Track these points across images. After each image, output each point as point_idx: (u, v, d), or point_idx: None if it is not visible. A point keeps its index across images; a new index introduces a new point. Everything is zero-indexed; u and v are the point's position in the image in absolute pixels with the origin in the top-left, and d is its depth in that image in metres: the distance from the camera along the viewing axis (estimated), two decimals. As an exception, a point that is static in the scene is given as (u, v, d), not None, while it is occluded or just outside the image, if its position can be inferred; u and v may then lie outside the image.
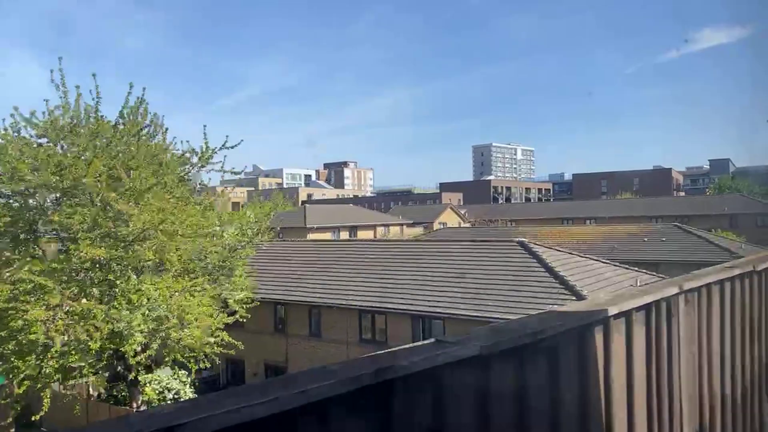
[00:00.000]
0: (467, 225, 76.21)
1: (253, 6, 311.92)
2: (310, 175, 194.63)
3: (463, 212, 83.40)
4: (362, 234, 56.25)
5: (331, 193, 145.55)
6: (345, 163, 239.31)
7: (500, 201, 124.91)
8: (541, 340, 2.51)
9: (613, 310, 3.02)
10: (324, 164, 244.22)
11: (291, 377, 1.87)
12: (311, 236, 54.45)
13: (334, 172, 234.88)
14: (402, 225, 63.82)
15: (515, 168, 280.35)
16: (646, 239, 40.79)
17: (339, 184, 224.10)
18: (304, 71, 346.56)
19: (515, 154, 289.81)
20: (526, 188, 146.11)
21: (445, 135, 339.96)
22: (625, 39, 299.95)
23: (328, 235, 53.77)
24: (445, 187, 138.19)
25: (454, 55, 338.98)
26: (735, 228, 62.33)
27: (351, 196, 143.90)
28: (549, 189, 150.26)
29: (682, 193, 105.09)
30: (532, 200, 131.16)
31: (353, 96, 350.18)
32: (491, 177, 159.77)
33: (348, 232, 56.58)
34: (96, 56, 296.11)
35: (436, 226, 71.86)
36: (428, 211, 77.27)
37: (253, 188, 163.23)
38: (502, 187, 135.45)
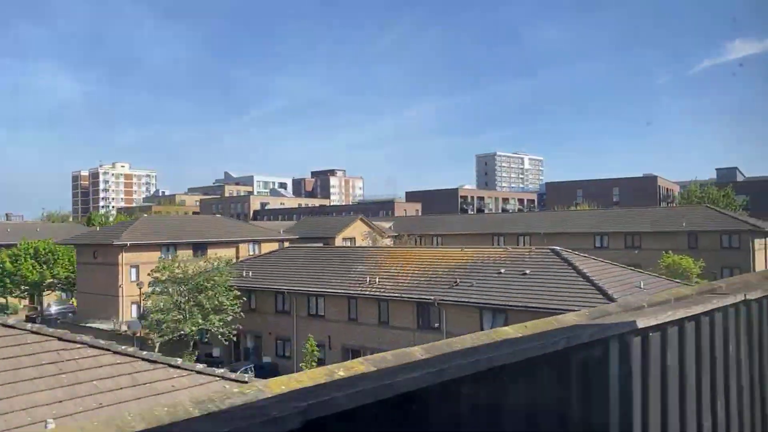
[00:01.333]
0: (387, 240, 63.77)
1: (281, 23, 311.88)
2: (285, 184, 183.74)
3: (388, 225, 70.72)
4: (213, 251, 44.05)
5: (292, 201, 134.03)
6: (332, 172, 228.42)
7: (470, 211, 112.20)
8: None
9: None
10: (311, 172, 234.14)
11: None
12: (126, 256, 42.42)
13: (320, 181, 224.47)
14: (272, 241, 51.45)
15: (522, 178, 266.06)
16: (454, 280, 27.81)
17: (325, 192, 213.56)
18: (332, 86, 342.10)
19: (522, 164, 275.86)
20: (503, 198, 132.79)
21: (474, 146, 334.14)
22: (656, 49, 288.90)
23: (153, 255, 41.81)
24: (411, 196, 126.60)
25: (481, 67, 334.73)
26: (694, 249, 48.67)
27: (317, 205, 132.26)
28: (533, 199, 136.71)
29: (665, 204, 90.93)
30: (510, 211, 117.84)
31: (379, 109, 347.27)
32: (469, 185, 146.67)
33: (191, 250, 44.45)
34: (127, 69, 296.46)
35: (338, 241, 59.44)
36: (336, 224, 64.77)
37: (219, 196, 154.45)
38: (472, 197, 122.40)
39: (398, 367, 1.96)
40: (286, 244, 52.67)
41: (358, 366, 1.94)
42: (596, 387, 2.69)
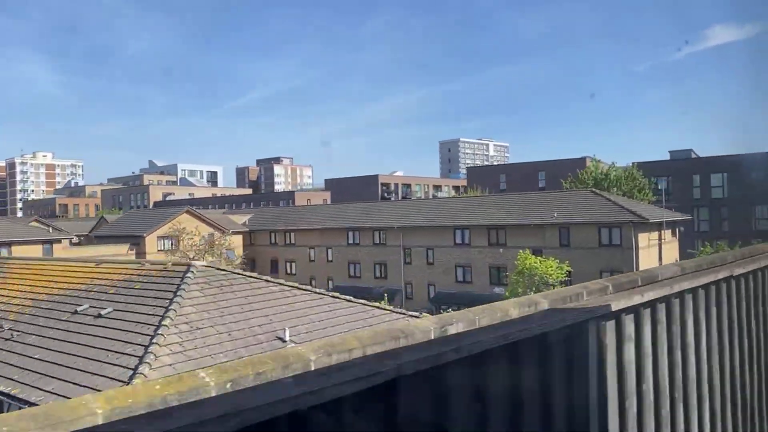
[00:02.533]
0: (231, 237, 52.42)
1: (260, 9, 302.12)
2: (215, 172, 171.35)
3: (243, 220, 59.09)
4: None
5: (205, 191, 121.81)
6: (277, 159, 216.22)
7: (393, 199, 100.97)
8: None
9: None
10: (256, 160, 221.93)
11: None
12: None
13: (264, 170, 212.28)
14: (32, 243, 39.62)
15: (486, 164, 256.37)
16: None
17: (269, 182, 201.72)
18: (314, 73, 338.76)
19: (487, 150, 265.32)
20: (435, 185, 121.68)
21: (454, 135, 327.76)
22: (634, 38, 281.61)
23: None
24: (330, 184, 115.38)
25: (463, 56, 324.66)
26: (566, 247, 37.84)
27: (228, 194, 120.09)
28: (466, 186, 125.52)
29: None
30: (435, 197, 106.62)
31: (363, 97, 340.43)
32: (399, 172, 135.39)
33: None
34: (104, 58, 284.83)
35: (151, 241, 47.79)
36: (157, 217, 52.84)
37: (138, 184, 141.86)
38: (395, 184, 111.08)
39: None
40: (63, 246, 40.96)
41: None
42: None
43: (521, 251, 35.57)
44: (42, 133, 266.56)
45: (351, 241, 48.84)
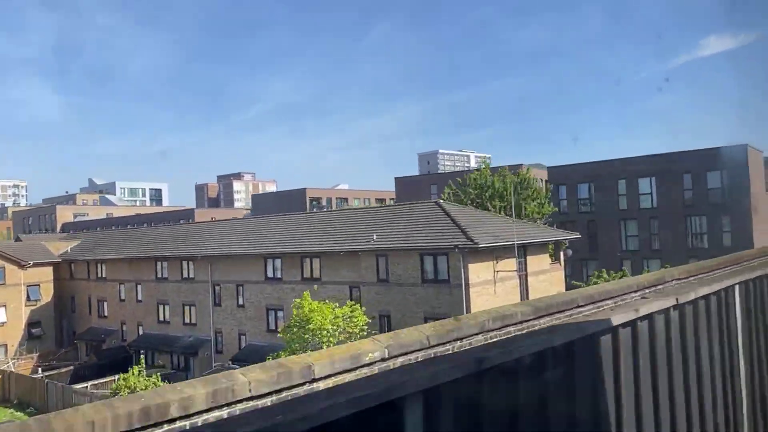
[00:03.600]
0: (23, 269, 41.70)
1: (259, 25, 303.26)
2: (160, 189, 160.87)
3: (67, 247, 48.13)
4: None
5: (127, 210, 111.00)
6: (238, 175, 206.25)
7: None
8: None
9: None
10: (217, 176, 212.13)
11: None
12: None
13: (224, 186, 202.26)
14: None
15: (415, 174, 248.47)
16: None
17: (229, 198, 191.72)
18: (313, 88, 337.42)
19: (468, 161, 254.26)
20: (377, 198, 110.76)
21: (452, 148, 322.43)
22: (635, 45, 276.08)
23: None
24: (256, 200, 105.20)
25: (461, 68, 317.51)
26: (384, 283, 27.06)
27: (152, 213, 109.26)
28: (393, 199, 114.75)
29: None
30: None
31: (362, 111, 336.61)
32: (344, 185, 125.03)
33: None
34: (105, 78, 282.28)
35: None
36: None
37: (70, 204, 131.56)
38: (328, 198, 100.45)
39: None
40: None
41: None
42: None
43: (310, 289, 24.76)
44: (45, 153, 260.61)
45: (159, 275, 37.95)
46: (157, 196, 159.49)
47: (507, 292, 27.42)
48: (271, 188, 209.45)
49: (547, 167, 52.59)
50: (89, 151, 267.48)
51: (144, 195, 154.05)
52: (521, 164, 79.13)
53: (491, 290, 26.07)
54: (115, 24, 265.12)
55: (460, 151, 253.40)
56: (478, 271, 25.32)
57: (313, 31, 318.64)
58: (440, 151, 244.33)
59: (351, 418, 1.79)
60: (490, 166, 45.18)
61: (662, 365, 3.48)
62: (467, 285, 24.73)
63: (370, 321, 24.38)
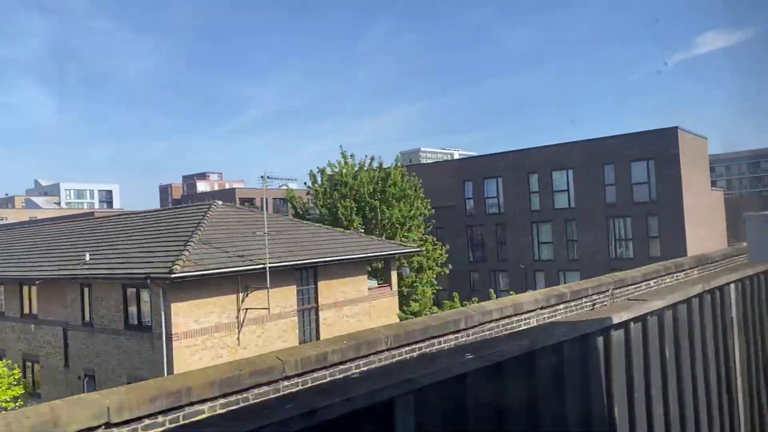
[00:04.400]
0: None
1: (255, 30, 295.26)
2: (110, 191, 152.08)
3: None
4: None
5: (54, 213, 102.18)
6: (203, 175, 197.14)
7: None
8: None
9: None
10: (182, 177, 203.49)
11: None
12: None
13: (188, 186, 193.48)
14: None
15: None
16: None
17: (193, 199, 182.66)
18: (310, 91, 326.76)
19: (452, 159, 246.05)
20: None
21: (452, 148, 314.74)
22: (628, 45, 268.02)
23: None
24: (188, 199, 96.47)
25: (458, 70, 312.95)
26: (88, 328, 17.84)
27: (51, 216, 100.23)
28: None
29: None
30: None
31: (360, 113, 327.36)
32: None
33: None
34: (100, 83, 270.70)
35: None
36: None
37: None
38: (261, 198, 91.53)
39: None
40: None
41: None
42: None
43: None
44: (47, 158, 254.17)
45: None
46: (107, 198, 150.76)
47: (275, 336, 18.65)
48: (239, 187, 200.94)
49: (457, 160, 43.79)
50: (83, 155, 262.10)
51: (92, 197, 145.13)
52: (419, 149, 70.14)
53: (228, 340, 17.27)
54: (111, 29, 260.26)
55: (443, 149, 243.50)
56: (191, 313, 16.50)
57: (308, 35, 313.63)
58: (422, 149, 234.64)
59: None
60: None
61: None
62: (169, 335, 15.92)
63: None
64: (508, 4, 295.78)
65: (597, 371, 2.95)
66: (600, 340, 3.03)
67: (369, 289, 22.41)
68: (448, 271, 34.44)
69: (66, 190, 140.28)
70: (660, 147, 34.61)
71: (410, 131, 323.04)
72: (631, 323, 3.28)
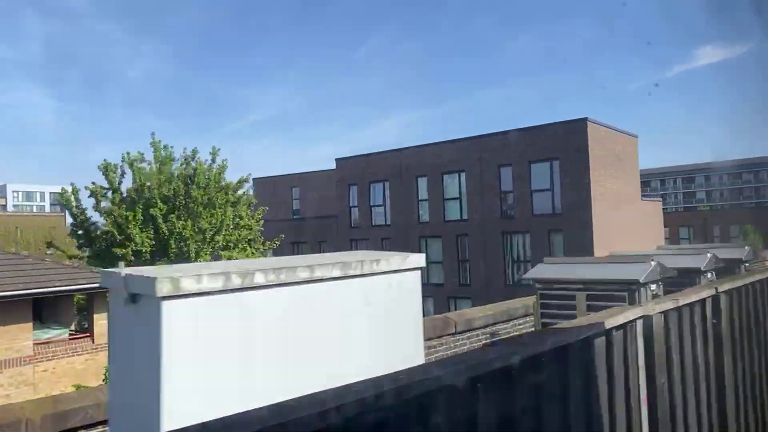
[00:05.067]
0: None
1: (256, 34, 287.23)
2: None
3: None
4: None
5: None
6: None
7: None
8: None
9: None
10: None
11: None
12: None
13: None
14: None
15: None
16: None
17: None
18: (310, 96, 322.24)
19: None
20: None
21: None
22: (628, 56, 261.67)
23: None
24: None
25: (457, 77, 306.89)
26: None
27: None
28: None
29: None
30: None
31: (359, 120, 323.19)
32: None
33: None
34: (101, 86, 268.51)
35: None
36: None
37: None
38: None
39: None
40: None
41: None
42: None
43: None
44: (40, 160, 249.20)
45: None
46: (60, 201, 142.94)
47: None
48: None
49: (336, 159, 36.23)
50: (83, 157, 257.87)
51: (43, 199, 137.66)
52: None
53: None
54: (111, 31, 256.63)
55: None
56: None
57: (307, 41, 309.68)
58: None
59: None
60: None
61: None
62: None
63: None
64: (508, 14, 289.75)
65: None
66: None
67: (43, 343, 14.75)
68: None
69: (14, 192, 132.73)
70: (567, 144, 27.00)
71: (410, 138, 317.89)
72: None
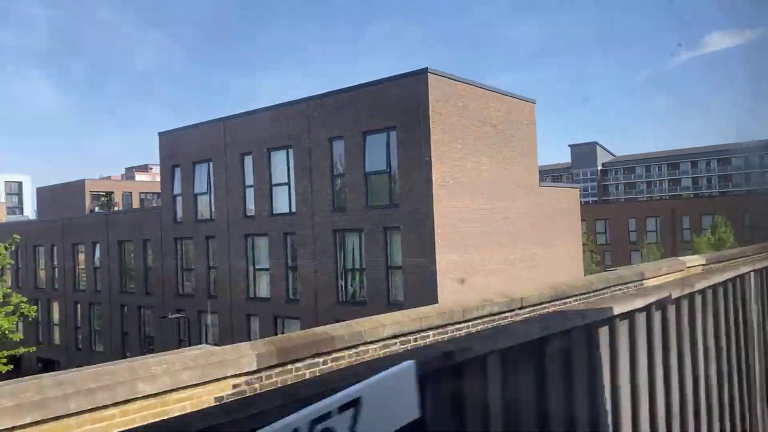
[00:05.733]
0: None
1: (261, 23, 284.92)
2: (20, 183, 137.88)
3: None
4: None
5: None
6: (144, 167, 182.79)
7: (97, 212, 66.94)
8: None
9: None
10: (125, 168, 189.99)
11: None
12: None
13: (127, 179, 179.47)
14: None
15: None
16: None
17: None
18: (314, 85, 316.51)
19: None
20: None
21: None
22: (633, 46, 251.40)
23: None
24: (41, 192, 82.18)
25: (460, 66, 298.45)
26: None
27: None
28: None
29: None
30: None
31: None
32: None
33: None
34: (106, 75, 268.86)
35: None
36: None
37: None
38: (108, 192, 76.80)
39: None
40: None
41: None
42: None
43: None
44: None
45: None
46: (16, 190, 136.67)
47: None
48: (91, 179, 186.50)
49: (159, 133, 28.29)
50: (87, 147, 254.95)
51: (11, 191, 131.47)
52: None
53: None
54: (115, 21, 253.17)
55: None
56: None
57: (313, 28, 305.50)
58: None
59: None
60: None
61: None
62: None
63: None
64: (508, 4, 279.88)
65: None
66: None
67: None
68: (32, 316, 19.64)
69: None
70: (406, 106, 19.06)
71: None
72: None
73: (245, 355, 4.18)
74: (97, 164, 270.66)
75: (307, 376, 4.61)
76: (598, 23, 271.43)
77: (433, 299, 17.56)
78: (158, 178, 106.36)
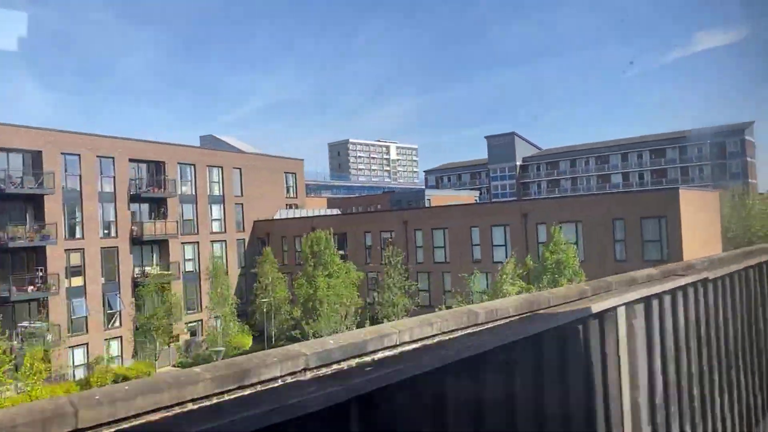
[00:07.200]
0: None
1: (254, 21, 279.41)
2: None
3: None
4: None
5: None
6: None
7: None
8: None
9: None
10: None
11: None
12: None
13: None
14: None
15: (388, 171, 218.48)
16: None
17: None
18: (307, 84, 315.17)
19: (387, 153, 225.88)
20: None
21: (455, 142, 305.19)
22: (624, 43, 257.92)
23: None
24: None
25: (458, 64, 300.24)
26: None
27: None
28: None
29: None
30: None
31: (359, 107, 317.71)
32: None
33: None
34: (98, 75, 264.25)
35: None
36: None
37: None
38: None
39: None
40: None
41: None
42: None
43: None
44: None
45: None
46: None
47: None
48: None
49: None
50: None
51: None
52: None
53: None
54: (106, 20, 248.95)
55: (378, 140, 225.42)
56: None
57: (306, 27, 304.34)
58: (351, 140, 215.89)
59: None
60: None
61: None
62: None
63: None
64: (501, 2, 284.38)
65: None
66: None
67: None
68: None
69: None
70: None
71: (411, 124, 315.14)
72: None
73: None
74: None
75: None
76: (586, 24, 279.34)
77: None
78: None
